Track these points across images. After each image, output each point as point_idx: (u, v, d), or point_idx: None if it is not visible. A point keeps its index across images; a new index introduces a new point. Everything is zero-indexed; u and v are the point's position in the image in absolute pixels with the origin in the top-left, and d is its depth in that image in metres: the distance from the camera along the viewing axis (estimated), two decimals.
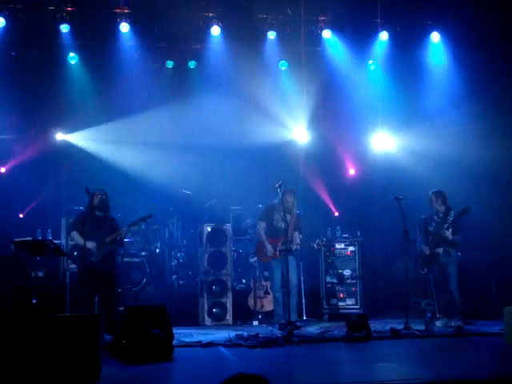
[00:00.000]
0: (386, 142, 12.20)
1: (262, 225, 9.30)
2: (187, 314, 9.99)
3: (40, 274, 9.29)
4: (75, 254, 8.61)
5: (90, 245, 8.19)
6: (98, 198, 8.45)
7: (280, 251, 9.05)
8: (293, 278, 8.98)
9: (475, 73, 11.03)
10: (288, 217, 8.85)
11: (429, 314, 8.68)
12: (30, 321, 5.73)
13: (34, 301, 7.71)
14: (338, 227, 10.77)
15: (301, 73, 11.73)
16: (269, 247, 9.16)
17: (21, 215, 11.03)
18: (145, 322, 6.80)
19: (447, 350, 7.60)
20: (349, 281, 10.33)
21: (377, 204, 12.29)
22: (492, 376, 5.22)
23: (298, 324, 8.80)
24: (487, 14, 10.92)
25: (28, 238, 8.35)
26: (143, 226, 10.62)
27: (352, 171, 12.32)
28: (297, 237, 9.21)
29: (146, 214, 8.92)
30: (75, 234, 8.43)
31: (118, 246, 8.68)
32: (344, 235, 10.67)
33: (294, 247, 9.14)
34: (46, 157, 11.41)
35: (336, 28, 11.17)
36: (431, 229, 9.21)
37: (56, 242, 9.23)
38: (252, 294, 10.09)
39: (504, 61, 11.10)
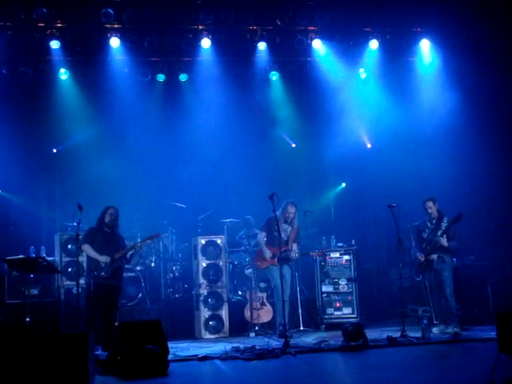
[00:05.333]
0: (378, 150, 12.21)
1: (263, 235, 9.56)
2: (184, 327, 9.98)
3: (34, 291, 9.27)
4: (87, 267, 8.60)
5: (104, 259, 8.29)
6: (109, 216, 8.52)
7: (278, 259, 9.21)
8: (286, 291, 9.01)
9: (465, 77, 11.06)
10: (289, 229, 9.28)
11: (425, 321, 8.61)
12: (19, 339, 5.69)
13: (28, 319, 7.64)
14: (333, 236, 10.74)
15: (292, 83, 11.78)
16: (267, 251, 9.38)
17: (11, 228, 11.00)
18: (139, 337, 6.76)
19: (444, 357, 7.56)
20: (345, 290, 10.30)
21: (371, 212, 12.31)
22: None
23: (289, 334, 8.71)
24: (476, 19, 10.98)
25: (20, 256, 8.31)
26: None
27: (343, 184, 12.36)
28: (295, 248, 9.45)
29: (153, 233, 9.08)
30: (88, 247, 8.43)
31: (126, 262, 8.75)
32: (339, 244, 10.63)
33: (292, 255, 9.35)
34: (39, 172, 11.40)
35: (326, 38, 11.22)
36: (425, 235, 9.19)
37: (49, 258, 9.19)
38: (248, 305, 10.04)
39: (493, 64, 11.14)
